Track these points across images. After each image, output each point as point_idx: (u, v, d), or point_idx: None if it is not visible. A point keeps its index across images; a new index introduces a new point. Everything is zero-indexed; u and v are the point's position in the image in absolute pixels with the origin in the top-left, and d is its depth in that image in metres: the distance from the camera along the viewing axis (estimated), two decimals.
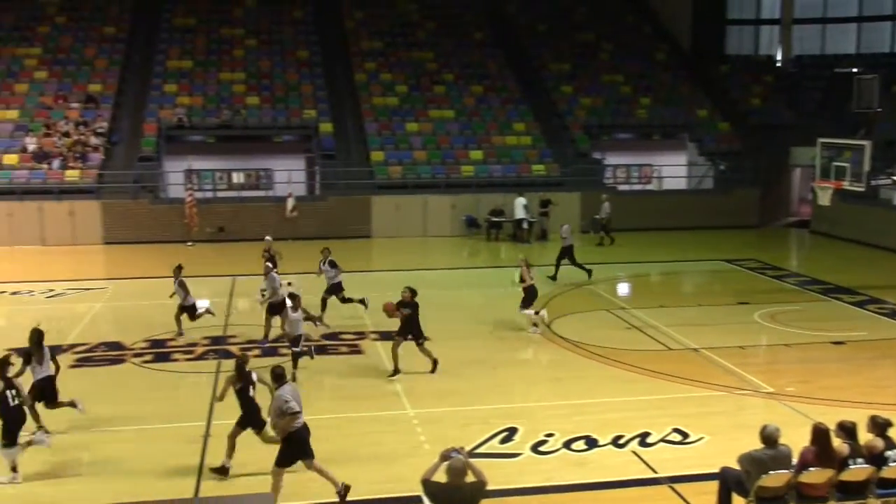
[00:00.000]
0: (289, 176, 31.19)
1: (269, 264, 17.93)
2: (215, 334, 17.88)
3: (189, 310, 17.71)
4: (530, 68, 38.33)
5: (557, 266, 23.34)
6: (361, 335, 17.93)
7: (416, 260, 23.45)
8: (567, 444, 12.15)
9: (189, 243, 28.55)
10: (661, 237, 30.54)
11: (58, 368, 13.16)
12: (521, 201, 29.87)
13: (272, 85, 35.05)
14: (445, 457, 8.06)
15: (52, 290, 22.04)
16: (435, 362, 15.33)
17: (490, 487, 8.21)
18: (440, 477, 8.07)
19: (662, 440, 12.31)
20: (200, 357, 16.42)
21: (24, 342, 16.85)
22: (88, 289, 22.26)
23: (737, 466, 9.50)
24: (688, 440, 12.36)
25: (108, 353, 16.68)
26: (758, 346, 17.46)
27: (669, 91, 37.55)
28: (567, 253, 23.23)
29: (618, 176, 35.14)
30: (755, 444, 9.33)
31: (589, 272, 23.29)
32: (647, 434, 12.46)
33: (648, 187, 35.46)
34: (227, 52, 36.66)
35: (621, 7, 42.53)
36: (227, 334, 17.97)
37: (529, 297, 18.23)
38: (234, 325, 18.72)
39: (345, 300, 19.06)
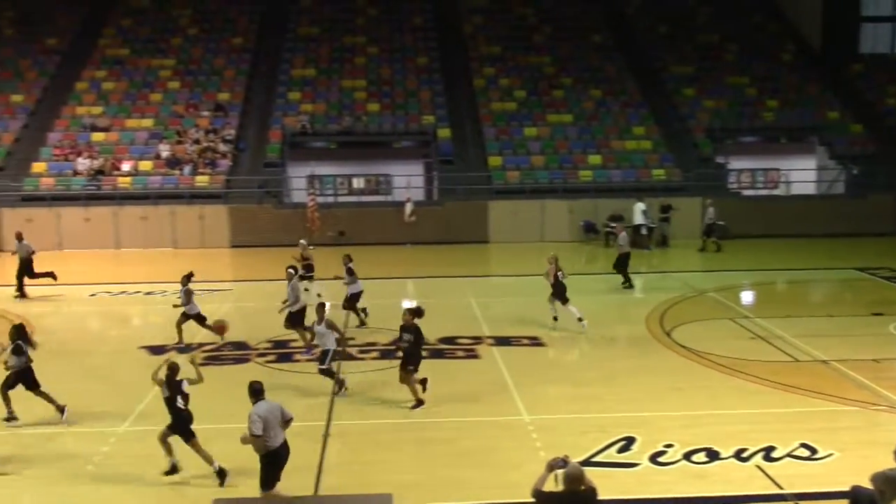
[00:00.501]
0: (407, 181, 31.63)
1: (291, 270, 17.96)
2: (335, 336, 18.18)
3: (196, 318, 17.76)
4: (651, 71, 37.63)
5: (623, 274, 22.85)
6: (478, 339, 17.94)
7: (533, 265, 23.27)
8: (687, 456, 11.81)
9: (310, 247, 29.19)
10: (789, 244, 29.44)
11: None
12: (640, 206, 29.33)
13: (392, 91, 35.60)
14: (552, 466, 7.89)
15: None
16: (419, 402, 13.71)
17: (608, 497, 8.06)
18: (550, 486, 7.92)
19: (789, 455, 11.82)
20: (397, 344, 16.72)
21: (156, 340, 17.71)
22: (216, 290, 23.05)
23: (869, 485, 9.02)
24: (816, 456, 11.82)
25: (234, 353, 17.24)
26: (893, 360, 16.57)
27: (798, 92, 36.21)
28: (622, 260, 22.74)
29: (742, 181, 34.11)
30: (889, 463, 8.83)
31: (631, 286, 22.78)
32: (772, 448, 11.99)
33: (775, 192, 34.24)
34: (349, 59, 37.45)
35: (746, 6, 41.25)
36: (346, 336, 18.25)
37: (559, 292, 18.27)
38: (353, 328, 19.02)
39: (347, 308, 19.05)
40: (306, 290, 20.12)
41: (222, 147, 32.17)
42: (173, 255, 29.01)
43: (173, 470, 11.28)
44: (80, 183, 30.51)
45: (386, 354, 16.89)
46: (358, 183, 33.52)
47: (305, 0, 41.20)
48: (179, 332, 17.75)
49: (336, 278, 19.62)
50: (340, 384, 14.45)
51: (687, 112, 35.38)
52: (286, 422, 10.05)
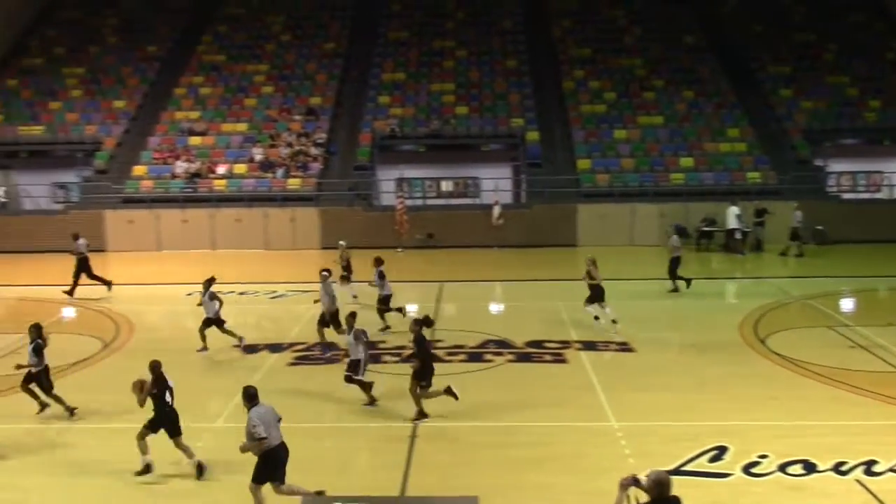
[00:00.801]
0: (495, 184, 31.61)
1: (325, 273, 17.93)
2: None
3: (216, 323, 17.84)
4: (745, 71, 36.73)
5: (675, 278, 22.53)
6: (566, 344, 17.78)
7: (622, 269, 23.04)
8: (782, 468, 11.46)
9: (399, 249, 29.50)
10: (891, 249, 28.30)
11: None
12: (734, 210, 28.63)
13: (480, 94, 35.65)
14: (624, 485, 7.58)
15: (274, 292, 23.43)
16: (422, 414, 13.35)
17: None
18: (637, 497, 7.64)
19: (892, 470, 11.35)
20: (408, 360, 16.84)
21: (248, 339, 18.09)
22: (306, 291, 23.38)
23: None
24: None
25: (324, 354, 17.48)
26: None
27: None
28: (674, 263, 22.44)
29: (842, 184, 32.96)
30: None
31: (676, 289, 22.42)
32: (873, 462, 11.53)
33: (877, 196, 32.98)
34: (437, 63, 37.66)
35: (847, 4, 39.87)
36: (433, 339, 18.35)
37: (596, 294, 18.53)
38: (440, 329, 19.08)
39: (385, 311, 19.16)
40: (355, 297, 20.90)
41: (314, 150, 32.74)
42: (265, 256, 29.64)
43: (147, 470, 11.39)
44: (177, 186, 31.47)
45: (474, 357, 16.91)
46: (446, 186, 33.69)
47: (396, 5, 41.62)
48: (202, 337, 17.81)
49: (370, 283, 19.84)
50: (372, 399, 14.20)
51: (783, 113, 34.41)
52: (278, 421, 10.28)
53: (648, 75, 36.45)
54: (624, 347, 17.54)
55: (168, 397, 11.67)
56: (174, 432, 11.59)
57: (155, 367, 11.76)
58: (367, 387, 14.25)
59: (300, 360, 16.99)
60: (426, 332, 13.98)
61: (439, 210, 31.76)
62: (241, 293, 23.43)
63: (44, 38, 40.06)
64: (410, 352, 13.39)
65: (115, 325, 19.79)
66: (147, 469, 11.43)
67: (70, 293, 22.79)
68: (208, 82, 37.00)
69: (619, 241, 30.16)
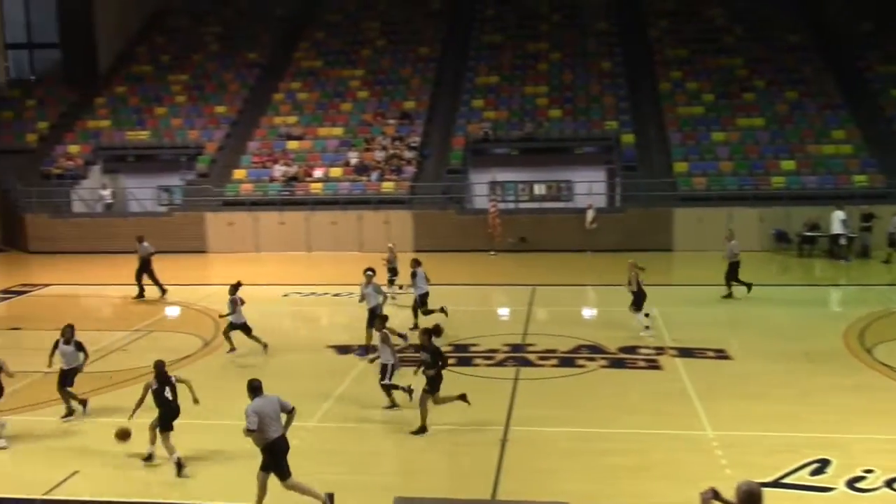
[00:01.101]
0: (589, 187, 31.30)
1: (370, 273, 17.88)
2: (515, 342, 18.28)
3: (242, 328, 17.81)
4: (852, 71, 35.39)
5: (733, 283, 22.11)
6: (661, 350, 17.46)
7: (719, 275, 22.47)
8: (890, 483, 10.98)
9: (492, 253, 29.50)
10: None
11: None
12: (838, 215, 27.60)
13: (574, 97, 35.37)
14: (706, 499, 7.28)
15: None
16: (423, 429, 13.04)
17: None
18: None
19: None
20: (500, 363, 16.87)
21: (342, 340, 18.38)
22: (399, 293, 23.64)
23: None
24: None
25: (416, 355, 17.52)
26: None
27: None
28: (732, 269, 22.06)
29: None
30: None
31: (730, 294, 22.06)
32: None
33: None
34: (531, 66, 37.53)
35: None
36: (525, 343, 18.30)
37: (639, 300, 18.44)
38: (532, 333, 19.03)
39: (427, 312, 19.19)
40: (394, 297, 21.40)
41: (407, 154, 33.04)
42: (360, 259, 29.98)
43: (180, 466, 11.75)
44: (275, 189, 32.19)
45: (565, 362, 16.77)
46: (539, 189, 33.53)
47: (490, 9, 41.66)
48: (228, 340, 17.94)
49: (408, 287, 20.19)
50: (393, 403, 14.24)
51: (894, 114, 33.02)
52: (289, 412, 10.59)
53: (749, 76, 35.50)
54: (721, 355, 17.12)
55: (168, 393, 12.05)
56: (166, 427, 11.92)
57: (158, 365, 12.22)
58: (390, 390, 14.23)
59: None
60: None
61: (532, 213, 31.63)
62: (336, 294, 23.79)
63: (151, 47, 41.57)
64: (422, 360, 13.32)
65: (214, 324, 20.34)
66: (179, 465, 11.78)
67: (163, 293, 23.67)
68: (306, 87, 37.75)
69: (716, 245, 29.17)
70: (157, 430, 12.00)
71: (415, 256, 20.52)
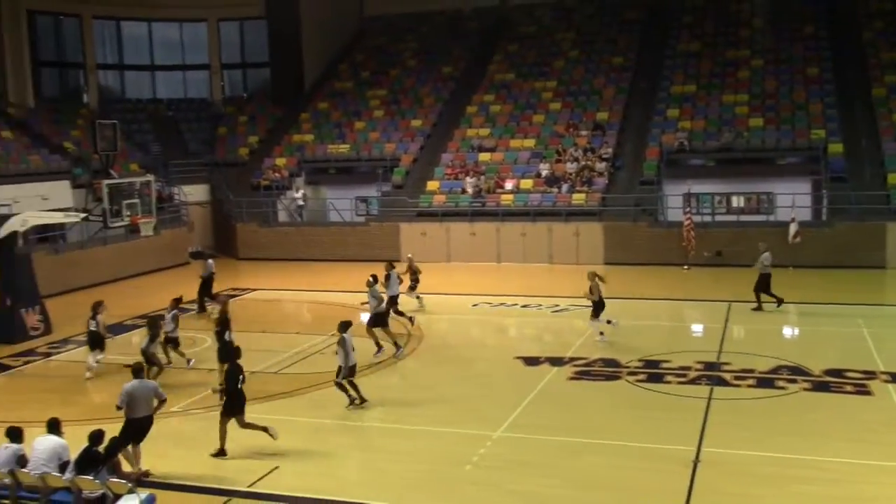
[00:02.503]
0: (792, 200, 29.64)
1: (371, 279, 18.92)
2: (709, 360, 17.60)
3: (171, 342, 17.99)
4: None
5: (757, 295, 21.82)
6: (871, 374, 16.25)
7: None
8: None
9: (685, 267, 28.61)
10: None
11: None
12: None
13: (777, 105, 33.73)
14: None
15: (556, 306, 23.58)
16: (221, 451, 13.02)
17: None
18: None
19: None
20: (693, 381, 16.29)
21: (531, 352, 18.39)
22: (589, 306, 23.34)
23: None
24: None
25: (605, 369, 17.33)
26: None
27: None
28: (763, 281, 21.72)
29: None
30: None
31: (760, 307, 21.74)
32: None
33: None
34: (731, 74, 36.16)
35: None
36: (720, 360, 17.59)
37: (597, 310, 19.26)
38: (728, 352, 18.26)
39: (398, 313, 20.83)
40: (418, 298, 23.22)
41: (599, 166, 32.66)
42: (548, 270, 29.97)
43: (220, 453, 12.88)
44: (467, 200, 32.71)
45: (764, 383, 15.97)
46: (737, 201, 32.16)
47: (687, 16, 40.54)
48: (166, 352, 18.10)
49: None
50: (352, 399, 15.04)
51: None
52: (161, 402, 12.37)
53: None
54: None
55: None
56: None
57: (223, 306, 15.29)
58: (344, 389, 15.03)
59: (580, 375, 16.94)
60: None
61: (729, 227, 30.36)
62: (525, 306, 23.83)
63: (352, 64, 43.44)
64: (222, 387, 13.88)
65: (407, 331, 20.90)
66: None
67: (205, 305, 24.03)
68: (498, 100, 38.16)
69: None
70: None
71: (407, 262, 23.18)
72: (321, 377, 16.59)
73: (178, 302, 18.64)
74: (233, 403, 12.90)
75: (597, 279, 19.26)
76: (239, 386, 12.86)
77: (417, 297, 23.41)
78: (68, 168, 33.11)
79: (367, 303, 19.44)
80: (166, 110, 42.27)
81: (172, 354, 18.17)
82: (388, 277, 20.97)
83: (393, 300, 20.81)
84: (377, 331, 18.69)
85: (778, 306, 21.78)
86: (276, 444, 13.12)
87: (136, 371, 12.45)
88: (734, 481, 11.64)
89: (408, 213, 33.07)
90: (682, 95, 35.61)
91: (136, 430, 12.03)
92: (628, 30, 40.82)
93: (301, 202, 35.60)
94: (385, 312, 19.08)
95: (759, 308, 21.84)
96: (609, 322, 19.52)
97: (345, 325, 15.13)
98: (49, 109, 37.72)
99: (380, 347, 18.51)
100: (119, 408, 12.11)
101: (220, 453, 12.89)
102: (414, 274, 23.60)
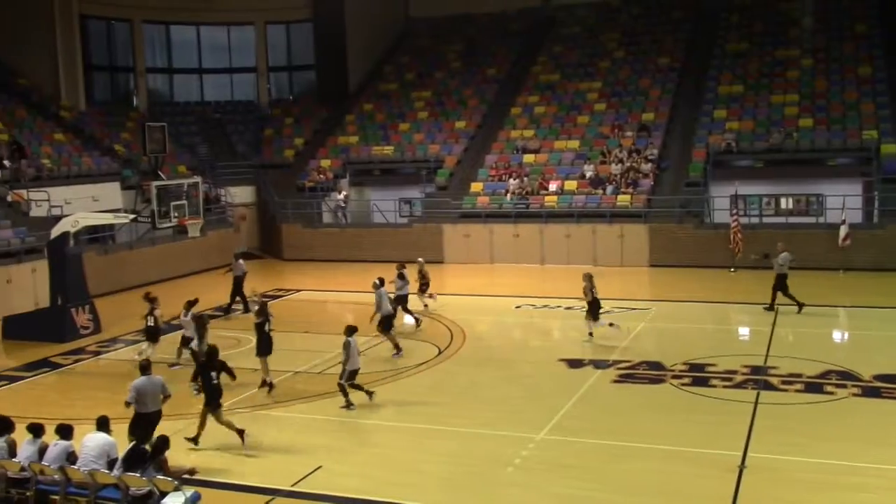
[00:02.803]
0: (843, 201, 29.09)
1: (377, 281, 19.33)
2: (755, 364, 17.35)
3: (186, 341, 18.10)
4: None
5: (774, 296, 21.75)
6: None
7: None
8: None
9: (732, 270, 28.23)
10: None
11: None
12: None
13: (828, 105, 33.13)
14: None
15: (601, 308, 23.34)
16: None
17: None
18: None
19: None
20: (739, 385, 16.06)
21: (574, 354, 18.30)
22: (633, 308, 23.20)
23: None
24: None
25: (649, 372, 17.17)
26: None
27: None
28: (780, 281, 21.55)
29: None
30: None
31: (800, 305, 21.52)
32: None
33: None
34: (780, 74, 35.61)
35: None
36: (767, 365, 17.33)
37: (594, 309, 19.67)
38: (775, 356, 17.97)
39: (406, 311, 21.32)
40: (428, 301, 23.39)
41: (645, 167, 32.37)
42: (593, 272, 29.69)
43: (241, 437, 13.13)
44: (510, 202, 32.62)
45: (812, 388, 15.69)
46: (786, 203, 31.64)
47: (735, 16, 40.02)
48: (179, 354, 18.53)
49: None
50: (349, 404, 15.14)
51: None
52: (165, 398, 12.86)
53: None
54: None
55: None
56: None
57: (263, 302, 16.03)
58: (344, 392, 15.19)
59: (624, 378, 16.81)
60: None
61: (777, 229, 29.87)
62: (568, 308, 23.70)
63: (397, 66, 43.59)
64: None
65: (449, 333, 20.92)
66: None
67: (246, 310, 23.90)
68: (543, 101, 38.00)
69: None
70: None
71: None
72: (363, 378, 16.64)
73: (192, 304, 18.73)
74: (208, 399, 13.40)
75: (590, 280, 19.75)
76: (213, 382, 13.34)
77: (429, 297, 23.49)
78: (118, 170, 33.74)
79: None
80: (214, 113, 42.81)
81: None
82: (400, 276, 21.28)
83: (402, 300, 21.15)
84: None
85: (798, 311, 21.42)
86: (317, 444, 13.23)
87: (144, 368, 12.97)
88: (781, 487, 11.46)
89: (451, 214, 33.09)
90: (729, 96, 35.16)
91: (145, 424, 12.39)
92: (675, 30, 40.42)
93: (343, 203, 35.79)
94: (392, 315, 19.28)
95: (770, 308, 21.77)
96: (611, 325, 19.74)
97: (350, 330, 15.34)
98: (100, 112, 38.44)
99: (399, 349, 18.72)
100: (128, 404, 12.59)
101: (194, 440, 13.41)
102: (423, 277, 23.47)
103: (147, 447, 10.73)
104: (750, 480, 11.66)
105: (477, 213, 32.72)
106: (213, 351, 14.01)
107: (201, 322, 17.33)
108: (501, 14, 44.26)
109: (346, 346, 15.12)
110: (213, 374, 13.43)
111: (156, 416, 12.66)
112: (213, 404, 13.27)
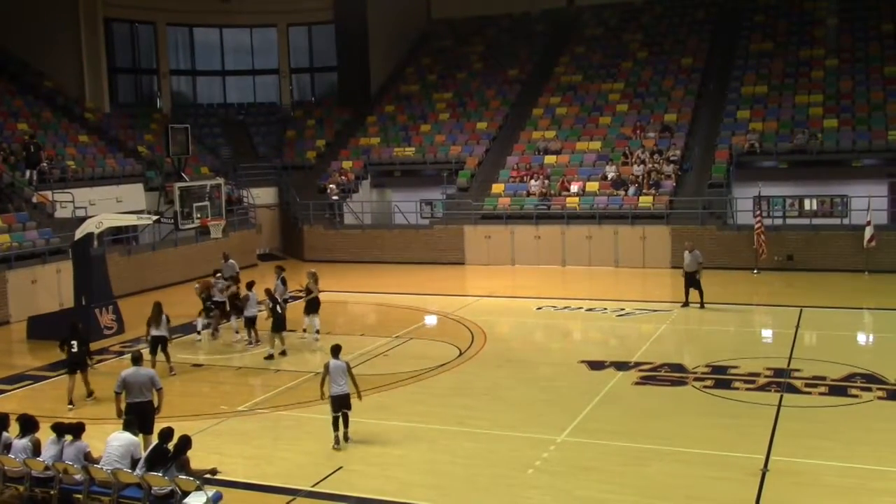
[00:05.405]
0: (868, 203, 28.82)
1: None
2: (779, 366, 17.20)
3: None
4: None
5: (686, 292, 22.98)
6: None
7: None
8: None
9: (755, 271, 28.03)
10: None
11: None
12: None
13: (853, 106, 32.81)
14: None
15: (622, 309, 23.33)
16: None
17: None
18: None
19: None
20: (762, 388, 15.93)
21: (595, 356, 18.22)
22: (655, 310, 23.09)
23: None
24: None
25: (671, 374, 17.07)
26: None
27: None
28: (690, 278, 22.83)
29: None
30: None
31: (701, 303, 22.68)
32: None
33: None
34: (804, 74, 35.32)
35: None
36: (790, 367, 17.18)
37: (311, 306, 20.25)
38: (799, 358, 17.81)
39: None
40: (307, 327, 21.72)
41: (667, 168, 32.20)
42: (613, 274, 29.66)
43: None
44: (531, 203, 32.55)
45: (836, 391, 15.54)
46: (810, 204, 31.37)
47: (759, 16, 39.74)
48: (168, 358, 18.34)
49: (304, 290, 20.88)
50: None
51: None
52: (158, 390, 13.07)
53: None
54: None
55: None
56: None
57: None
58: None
59: (646, 380, 16.72)
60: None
61: (801, 230, 29.63)
62: (589, 310, 23.63)
63: (418, 67, 43.63)
64: None
65: (470, 334, 20.90)
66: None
67: None
68: (565, 102, 37.90)
69: None
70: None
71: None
72: (384, 379, 16.69)
73: (282, 270, 21.25)
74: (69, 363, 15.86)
75: (313, 278, 20.57)
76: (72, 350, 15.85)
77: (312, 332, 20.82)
78: (142, 171, 33.98)
79: None
80: (236, 114, 43.05)
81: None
82: (283, 282, 21.13)
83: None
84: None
85: (700, 307, 22.75)
86: (340, 445, 13.27)
87: (135, 359, 13.35)
88: (804, 492, 11.35)
89: (472, 215, 33.07)
90: (752, 96, 34.90)
91: (136, 412, 12.48)
92: (698, 30, 40.19)
93: (335, 197, 35.39)
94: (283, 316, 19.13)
95: (685, 304, 23.08)
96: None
97: (334, 350, 13.91)
98: (124, 114, 38.75)
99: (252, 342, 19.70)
100: (117, 393, 12.94)
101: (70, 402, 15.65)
102: (309, 292, 20.90)
103: (169, 447, 10.79)
104: (773, 484, 11.56)
105: (498, 215, 32.66)
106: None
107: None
108: (523, 15, 44.23)
109: (325, 367, 13.71)
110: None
111: (147, 406, 12.88)
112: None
